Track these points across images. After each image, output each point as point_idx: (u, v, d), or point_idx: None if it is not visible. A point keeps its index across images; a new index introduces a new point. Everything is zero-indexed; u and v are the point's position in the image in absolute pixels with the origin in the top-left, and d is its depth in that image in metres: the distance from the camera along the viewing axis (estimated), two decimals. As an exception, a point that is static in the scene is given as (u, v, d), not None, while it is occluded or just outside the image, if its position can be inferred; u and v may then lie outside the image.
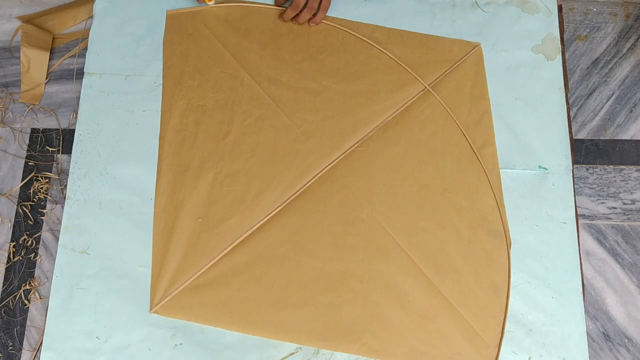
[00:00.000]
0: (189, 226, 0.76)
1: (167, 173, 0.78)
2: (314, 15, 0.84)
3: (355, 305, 0.73)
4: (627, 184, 0.85)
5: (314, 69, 0.84)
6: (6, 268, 0.79)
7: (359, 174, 0.79)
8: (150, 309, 0.72)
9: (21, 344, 0.76)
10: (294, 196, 0.77)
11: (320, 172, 0.79)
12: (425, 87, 0.83)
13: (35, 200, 0.82)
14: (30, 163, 0.84)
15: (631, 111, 0.88)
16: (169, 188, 0.78)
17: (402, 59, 0.85)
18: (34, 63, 0.87)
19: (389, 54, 0.85)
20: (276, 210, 0.77)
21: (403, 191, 0.78)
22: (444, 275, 0.75)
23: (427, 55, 0.85)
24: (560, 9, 0.89)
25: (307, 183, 0.78)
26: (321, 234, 0.76)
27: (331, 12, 0.87)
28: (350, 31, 0.86)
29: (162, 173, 0.78)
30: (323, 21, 0.86)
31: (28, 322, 0.77)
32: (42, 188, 0.82)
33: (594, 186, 0.85)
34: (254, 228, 0.76)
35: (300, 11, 0.84)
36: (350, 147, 0.80)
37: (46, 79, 0.87)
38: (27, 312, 0.77)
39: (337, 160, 0.80)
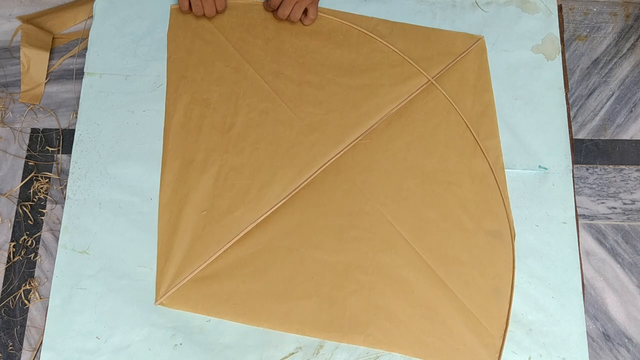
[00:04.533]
0: (194, 219, 0.76)
1: (171, 166, 0.79)
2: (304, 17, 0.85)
3: (360, 297, 0.73)
4: (627, 184, 0.85)
5: (317, 63, 0.85)
6: (6, 268, 0.79)
7: (362, 166, 0.79)
8: (156, 301, 0.72)
9: (21, 344, 0.76)
10: (298, 189, 0.78)
11: (324, 165, 0.79)
12: (429, 80, 0.83)
13: (35, 200, 0.82)
14: (30, 163, 0.84)
15: (631, 111, 0.88)
16: (173, 181, 0.78)
17: (406, 52, 0.85)
18: (34, 63, 0.87)
19: (392, 47, 0.85)
20: (280, 203, 0.77)
21: (407, 184, 0.79)
22: (448, 267, 0.75)
23: (430, 49, 0.86)
24: (560, 9, 0.89)
25: (311, 176, 0.78)
26: (325, 226, 0.76)
27: (332, 8, 0.88)
28: (353, 25, 0.86)
29: (167, 166, 0.78)
30: (326, 15, 0.87)
31: (28, 322, 0.77)
32: (42, 188, 0.82)
33: (594, 186, 0.85)
34: (259, 220, 0.76)
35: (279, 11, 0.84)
36: (354, 140, 0.81)
37: (46, 79, 0.87)
38: (27, 312, 0.77)
39: (341, 153, 0.80)
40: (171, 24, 0.86)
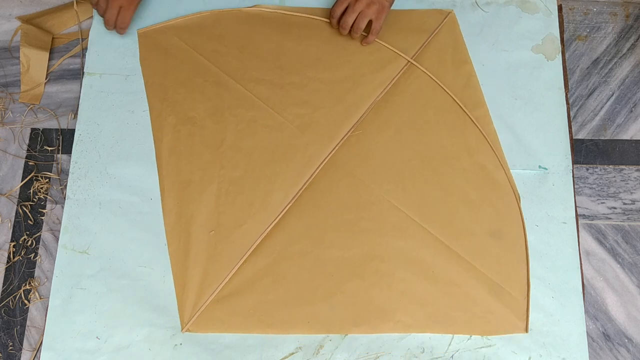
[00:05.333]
0: (203, 240, 0.75)
1: (170, 191, 0.78)
2: (366, 36, 0.84)
3: (382, 286, 0.74)
4: (627, 184, 0.85)
5: (296, 63, 0.85)
6: (6, 268, 0.79)
7: (360, 158, 0.80)
8: (182, 329, 0.72)
9: (21, 344, 0.76)
10: (300, 191, 0.78)
11: (322, 163, 0.79)
12: (409, 61, 0.84)
13: (35, 200, 0.82)
14: (30, 163, 0.84)
15: (631, 111, 0.88)
16: (176, 205, 0.77)
17: (380, 38, 0.85)
18: (34, 63, 0.87)
19: (366, 35, 0.85)
20: (286, 209, 0.77)
21: (407, 166, 0.79)
22: (461, 240, 0.76)
23: (403, 31, 0.86)
24: (560, 9, 0.89)
25: (311, 176, 0.79)
26: (335, 223, 0.77)
27: (314, 4, 0.88)
28: (324, 19, 0.86)
29: (166, 192, 0.78)
30: (293, 13, 0.87)
31: (28, 322, 0.77)
32: (42, 188, 0.82)
33: (594, 186, 0.85)
34: (268, 230, 0.76)
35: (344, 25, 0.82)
36: (347, 134, 0.81)
37: (46, 79, 0.87)
38: (27, 312, 0.77)
39: (336, 148, 0.80)
40: (141, 48, 0.85)
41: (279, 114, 0.81)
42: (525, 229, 0.77)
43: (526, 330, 0.73)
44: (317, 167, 0.79)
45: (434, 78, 0.83)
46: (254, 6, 0.87)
